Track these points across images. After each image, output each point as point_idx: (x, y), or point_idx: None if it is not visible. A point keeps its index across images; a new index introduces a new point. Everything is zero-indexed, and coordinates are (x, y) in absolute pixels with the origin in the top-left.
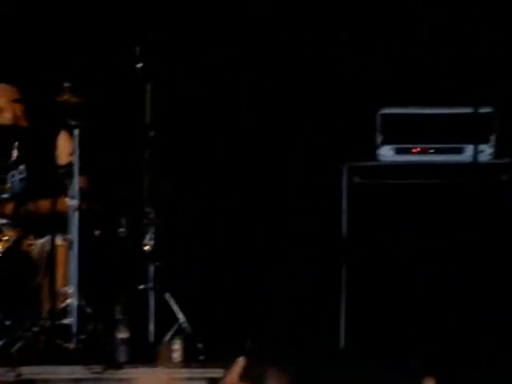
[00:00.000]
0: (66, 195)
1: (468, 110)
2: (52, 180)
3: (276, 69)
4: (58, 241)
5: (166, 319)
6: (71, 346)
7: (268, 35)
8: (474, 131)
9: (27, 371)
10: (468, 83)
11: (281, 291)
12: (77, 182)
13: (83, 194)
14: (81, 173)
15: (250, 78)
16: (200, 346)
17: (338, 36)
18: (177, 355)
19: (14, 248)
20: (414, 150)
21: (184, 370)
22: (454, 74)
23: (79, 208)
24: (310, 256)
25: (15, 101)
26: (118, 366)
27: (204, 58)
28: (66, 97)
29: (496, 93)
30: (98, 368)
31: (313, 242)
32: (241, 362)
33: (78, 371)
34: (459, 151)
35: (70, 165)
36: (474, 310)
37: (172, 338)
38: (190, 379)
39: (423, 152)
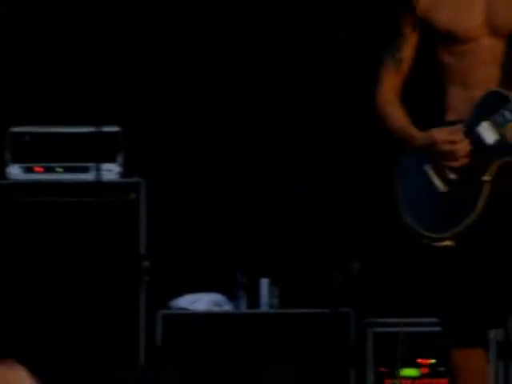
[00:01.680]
0: None
1: (94, 129)
2: None
3: None
4: None
5: None
6: None
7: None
8: (99, 150)
9: None
10: (94, 102)
11: None
12: None
13: None
14: None
15: None
16: None
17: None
18: None
19: None
20: (39, 169)
21: None
22: (80, 91)
23: None
24: None
25: None
26: None
27: None
28: None
29: (123, 111)
30: None
31: None
32: None
33: None
34: (85, 170)
35: None
36: None
37: None
38: None
39: (51, 170)
